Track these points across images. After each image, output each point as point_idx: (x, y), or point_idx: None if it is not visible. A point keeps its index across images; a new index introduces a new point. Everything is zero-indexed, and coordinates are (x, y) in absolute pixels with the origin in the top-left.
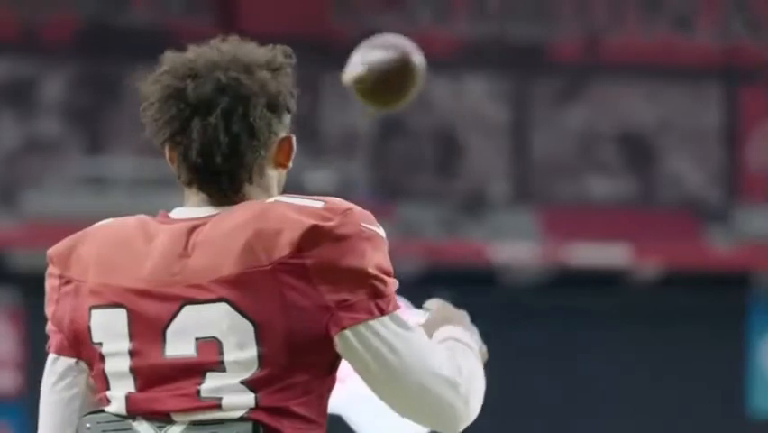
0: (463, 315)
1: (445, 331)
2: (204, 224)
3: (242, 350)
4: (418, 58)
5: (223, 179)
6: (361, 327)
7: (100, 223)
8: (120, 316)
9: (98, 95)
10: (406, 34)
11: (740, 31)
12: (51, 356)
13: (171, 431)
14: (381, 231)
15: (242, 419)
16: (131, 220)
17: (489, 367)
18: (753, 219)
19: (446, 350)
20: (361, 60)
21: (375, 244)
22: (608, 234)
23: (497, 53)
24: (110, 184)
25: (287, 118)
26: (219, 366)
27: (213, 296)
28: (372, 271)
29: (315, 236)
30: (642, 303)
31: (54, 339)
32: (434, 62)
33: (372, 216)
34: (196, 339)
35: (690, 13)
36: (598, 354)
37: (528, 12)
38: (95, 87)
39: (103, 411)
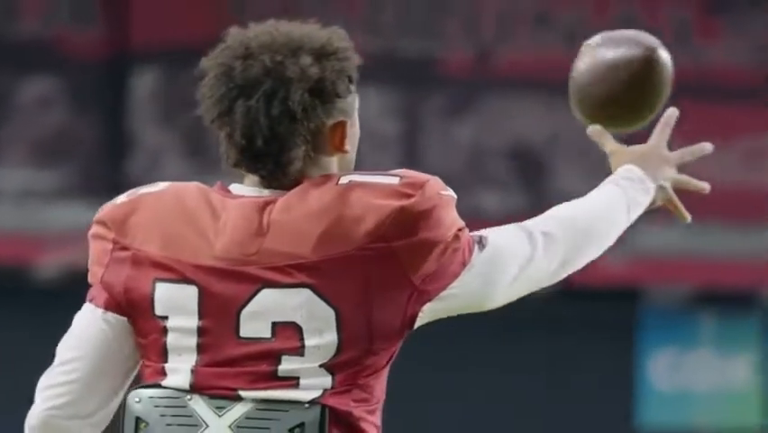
0: (663, 160)
1: (621, 171)
2: (273, 202)
3: (321, 336)
4: (661, 63)
5: (267, 161)
6: (445, 292)
7: (151, 189)
8: (190, 292)
9: None
10: None
11: None
12: (97, 309)
13: (233, 411)
14: (452, 191)
15: (312, 402)
16: (190, 189)
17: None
18: (644, 235)
19: (529, 227)
20: (593, 72)
21: (450, 207)
22: None
23: (387, 68)
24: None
25: (340, 103)
26: (298, 351)
27: (294, 281)
28: (452, 235)
29: (399, 219)
30: (533, 316)
31: (100, 294)
32: None
33: (440, 180)
34: (274, 323)
35: (579, 29)
36: (489, 367)
37: (419, 26)
38: None
39: (158, 386)
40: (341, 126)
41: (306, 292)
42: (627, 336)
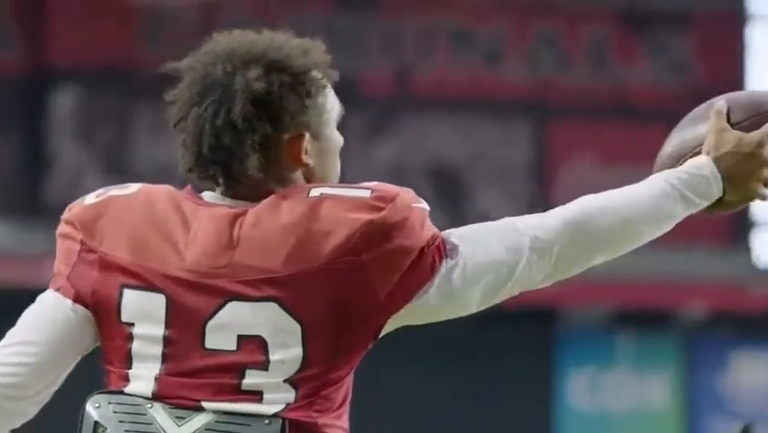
0: (760, 161)
1: (690, 164)
2: (243, 214)
3: (286, 350)
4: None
5: (217, 169)
6: (410, 305)
7: (122, 191)
8: (157, 301)
9: None
10: None
11: (549, 66)
12: (66, 299)
13: (194, 422)
14: (424, 203)
15: (274, 416)
16: (160, 195)
17: None
18: None
19: (520, 232)
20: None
21: (422, 220)
22: None
23: None
24: None
25: (294, 117)
26: (262, 365)
27: (261, 294)
28: (421, 248)
29: (369, 232)
30: (452, 337)
31: (68, 288)
32: None
33: (413, 191)
34: (240, 336)
35: (499, 48)
36: (405, 389)
37: (338, 45)
38: None
39: (120, 392)
40: (298, 140)
41: (273, 306)
42: (546, 357)
